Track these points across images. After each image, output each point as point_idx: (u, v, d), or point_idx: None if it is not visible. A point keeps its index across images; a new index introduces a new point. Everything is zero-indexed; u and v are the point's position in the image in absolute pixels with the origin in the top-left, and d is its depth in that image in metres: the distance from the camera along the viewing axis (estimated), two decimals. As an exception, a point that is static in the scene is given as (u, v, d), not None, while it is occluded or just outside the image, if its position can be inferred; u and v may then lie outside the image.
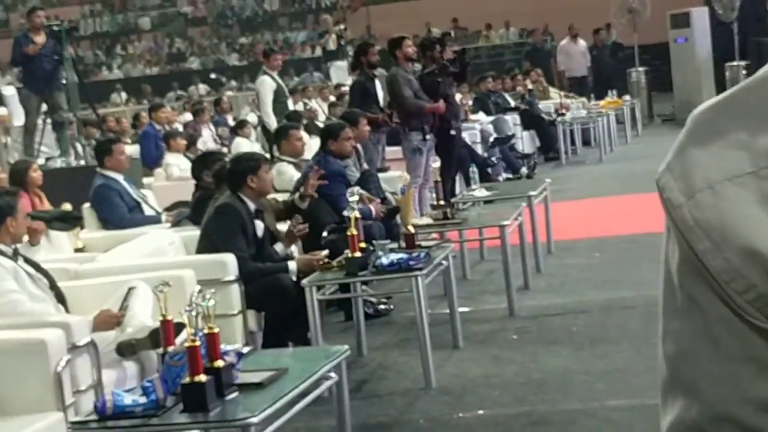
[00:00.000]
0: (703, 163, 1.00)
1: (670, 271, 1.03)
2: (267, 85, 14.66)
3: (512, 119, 17.30)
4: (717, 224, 0.97)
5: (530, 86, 20.11)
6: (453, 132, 11.86)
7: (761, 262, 0.95)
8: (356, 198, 7.18)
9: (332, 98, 19.16)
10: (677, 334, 1.02)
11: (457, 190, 12.36)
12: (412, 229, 7.57)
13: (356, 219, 6.93)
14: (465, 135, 13.32)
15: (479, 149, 14.63)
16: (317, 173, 8.15)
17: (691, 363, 1.00)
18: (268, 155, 10.93)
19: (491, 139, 15.40)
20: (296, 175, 9.56)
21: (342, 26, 25.37)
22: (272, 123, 14.08)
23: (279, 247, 7.53)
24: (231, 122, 18.54)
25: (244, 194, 7.47)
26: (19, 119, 15.51)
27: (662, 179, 1.03)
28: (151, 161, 14.15)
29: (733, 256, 0.96)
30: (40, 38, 13.25)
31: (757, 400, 0.95)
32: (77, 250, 8.95)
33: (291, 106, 15.45)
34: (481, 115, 16.80)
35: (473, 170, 10.93)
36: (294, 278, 7.29)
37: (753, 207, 0.96)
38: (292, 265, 7.23)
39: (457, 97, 13.88)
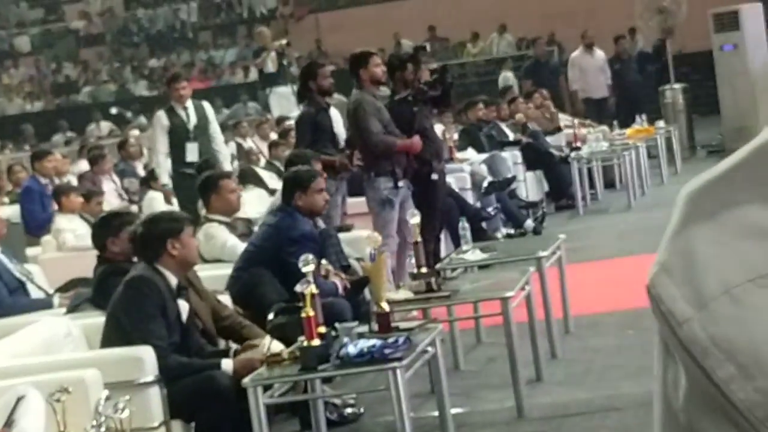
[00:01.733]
0: (713, 259, 0.99)
1: (671, 408, 1.02)
2: (159, 123, 14.59)
3: (512, 157, 17.25)
4: (743, 343, 0.95)
5: (533, 113, 20.21)
6: (434, 176, 11.78)
7: None
8: (311, 268, 7.11)
9: (274, 135, 19.15)
10: None
11: (443, 251, 12.21)
12: (386, 307, 7.46)
13: (313, 295, 6.86)
14: (450, 179, 13.28)
15: (470, 197, 14.63)
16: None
17: None
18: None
19: (485, 184, 15.37)
20: (230, 238, 9.55)
21: (284, 41, 25.29)
22: (162, 174, 14.17)
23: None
24: (141, 171, 18.42)
25: (163, 265, 7.47)
26: None
27: (657, 285, 1.02)
28: (36, 226, 14.09)
29: (761, 379, 0.94)
30: None
31: None
32: None
33: (223, 147, 15.17)
34: (470, 153, 16.79)
35: (463, 226, 10.92)
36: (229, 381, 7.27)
37: None
38: (227, 364, 7.21)
39: (438, 129, 13.88)
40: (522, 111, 19.83)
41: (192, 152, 14.14)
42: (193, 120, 14.46)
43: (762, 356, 0.93)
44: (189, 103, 14.47)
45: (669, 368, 1.00)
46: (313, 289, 6.84)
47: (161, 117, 14.90)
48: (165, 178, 14.13)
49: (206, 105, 14.93)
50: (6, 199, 16.84)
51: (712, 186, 1.02)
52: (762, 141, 1.03)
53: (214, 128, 14.68)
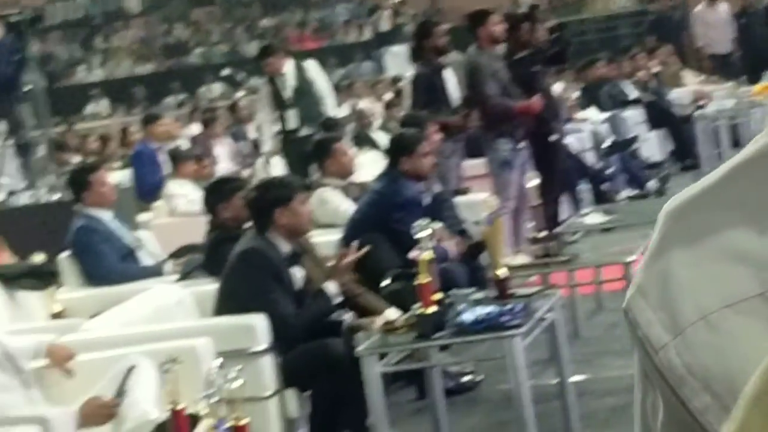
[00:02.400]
0: (690, 282, 0.96)
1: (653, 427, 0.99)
2: (261, 91, 14.78)
3: (634, 116, 17.08)
4: (719, 371, 0.93)
5: (657, 70, 19.84)
6: (554, 137, 11.73)
7: None
8: (427, 233, 7.05)
9: (388, 96, 19.07)
10: None
11: (563, 215, 12.07)
12: (503, 273, 7.42)
13: (428, 262, 6.82)
14: (570, 140, 13.20)
15: (591, 158, 14.53)
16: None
17: None
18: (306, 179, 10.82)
19: (607, 144, 15.28)
20: (344, 203, 9.55)
21: (398, -1, 25.20)
22: (263, 142, 14.27)
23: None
24: (253, 134, 18.40)
25: (274, 234, 7.49)
26: None
27: (633, 308, 0.99)
28: (147, 191, 14.24)
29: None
30: (-6, 32, 13.23)
31: None
32: (54, 316, 8.92)
33: (332, 108, 15.08)
34: (591, 112, 16.65)
35: (584, 188, 10.84)
36: (335, 296, 7.37)
37: (767, 342, 0.92)
38: (332, 287, 7.28)
39: (557, 89, 13.78)
40: (645, 68, 19.52)
41: (291, 119, 14.15)
42: (290, 85, 14.35)
43: (737, 386, 0.90)
44: (288, 68, 14.31)
45: (648, 394, 0.98)
46: (428, 255, 6.80)
47: (262, 85, 15.16)
48: (265, 146, 14.28)
49: (310, 65, 14.75)
50: (118, 164, 16.95)
51: (693, 204, 1.01)
52: (747, 155, 1.01)
53: (320, 88, 14.49)
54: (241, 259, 7.73)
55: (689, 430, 0.93)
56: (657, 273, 0.95)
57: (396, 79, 19.98)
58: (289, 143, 14.16)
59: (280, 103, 14.29)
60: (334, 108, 14.59)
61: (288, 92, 14.20)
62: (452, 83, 11.92)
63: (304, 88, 14.25)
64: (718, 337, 0.91)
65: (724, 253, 0.94)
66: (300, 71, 14.40)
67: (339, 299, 7.20)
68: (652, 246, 0.96)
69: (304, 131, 13.80)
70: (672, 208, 1.00)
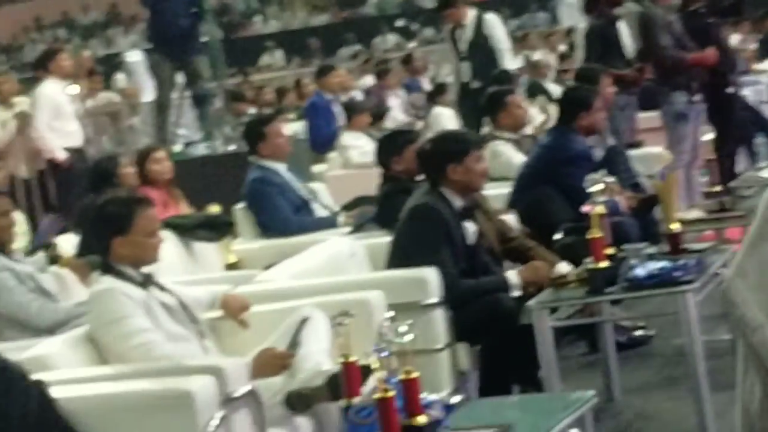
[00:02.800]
0: None
1: (748, 413, 1.03)
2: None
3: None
4: None
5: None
6: (730, 89, 11.55)
7: None
8: (599, 188, 7.03)
9: (562, 47, 18.98)
10: None
11: (739, 169, 11.80)
12: (676, 227, 7.40)
13: (600, 216, 6.82)
14: (747, 92, 12.99)
15: (768, 111, 14.21)
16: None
17: None
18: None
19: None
20: (516, 156, 9.53)
21: (572, -54, 24.96)
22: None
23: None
24: (427, 86, 18.45)
25: (446, 188, 7.46)
26: (148, 94, 15.93)
27: (732, 289, 1.00)
28: (321, 143, 14.36)
29: None
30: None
31: None
32: (229, 267, 9.09)
33: (510, 63, 14.95)
34: (769, 63, 16.24)
35: (761, 141, 10.71)
36: (518, 294, 7.23)
37: None
38: (514, 278, 7.21)
39: (734, 40, 13.56)
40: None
41: (464, 72, 14.09)
42: (467, 38, 14.23)
43: None
44: (468, 20, 14.16)
45: (747, 374, 1.01)
46: (600, 209, 6.79)
47: (446, 38, 15.15)
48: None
49: (489, 18, 14.48)
50: (293, 115, 17.14)
51: None
52: None
53: (497, 42, 14.27)
54: (412, 215, 7.70)
55: None
56: (757, 256, 0.97)
57: (570, 30, 19.65)
58: (462, 96, 14.10)
59: (456, 55, 14.22)
60: (511, 63, 14.44)
61: (463, 45, 14.11)
62: (626, 35, 11.89)
63: (480, 42, 14.10)
64: None
65: None
66: (479, 24, 14.25)
67: (517, 292, 7.12)
68: (753, 230, 1.00)
69: (475, 84, 13.71)
70: None
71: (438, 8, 15.30)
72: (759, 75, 14.99)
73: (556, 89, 15.20)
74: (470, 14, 14.09)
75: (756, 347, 0.96)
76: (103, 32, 41.65)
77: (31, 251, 8.82)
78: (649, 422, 7.16)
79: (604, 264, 6.77)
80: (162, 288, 6.68)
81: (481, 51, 14.04)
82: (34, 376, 5.64)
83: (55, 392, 5.59)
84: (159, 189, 10.06)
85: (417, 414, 4.65)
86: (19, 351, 6.32)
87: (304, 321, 6.46)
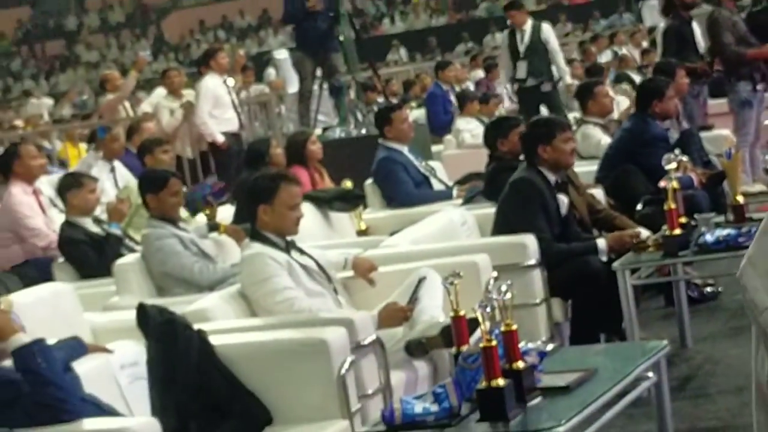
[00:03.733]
0: None
1: (759, 384, 1.03)
2: (503, 42, 15.13)
3: None
4: None
5: None
6: (790, 79, 11.70)
7: None
8: (674, 165, 7.14)
9: (645, 44, 18.88)
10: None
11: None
12: (741, 199, 7.49)
13: (675, 190, 6.90)
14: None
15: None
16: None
17: None
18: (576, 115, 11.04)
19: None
20: (604, 137, 9.56)
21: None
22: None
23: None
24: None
25: (541, 166, 7.52)
26: (293, 86, 16.11)
27: (744, 275, 1.01)
28: (438, 127, 14.66)
29: None
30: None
31: None
32: (360, 233, 9.20)
33: (562, 66, 15.09)
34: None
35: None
36: (604, 259, 7.27)
37: None
38: (602, 244, 7.25)
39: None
40: None
41: (521, 69, 14.33)
42: (525, 41, 14.46)
43: None
44: (527, 26, 14.52)
45: (759, 350, 1.00)
46: (675, 184, 6.90)
47: (504, 37, 15.36)
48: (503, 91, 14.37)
49: (545, 27, 14.93)
50: (414, 104, 17.30)
51: None
52: None
53: (552, 47, 14.64)
54: (513, 188, 7.75)
55: None
56: (764, 246, 0.93)
57: (651, 29, 19.74)
58: (519, 91, 14.55)
59: (514, 54, 14.47)
60: (562, 66, 14.83)
61: (522, 46, 14.40)
62: (699, 33, 12.00)
63: (536, 46, 14.41)
64: None
65: None
66: (536, 30, 14.57)
67: (604, 256, 7.21)
68: (764, 221, 0.96)
69: (531, 82, 14.12)
70: None
71: (505, 7, 15.69)
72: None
73: (639, 78, 15.27)
74: (528, 21, 14.58)
75: (764, 327, 0.99)
76: (256, 33, 42.48)
77: (188, 204, 9.05)
78: (717, 366, 7.17)
79: (678, 231, 6.90)
80: (302, 252, 6.79)
81: (537, 53, 14.36)
82: (196, 326, 5.85)
83: (212, 340, 5.81)
84: (308, 168, 10.13)
85: (516, 360, 4.62)
86: (184, 305, 6.53)
87: (421, 280, 6.57)
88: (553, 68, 14.60)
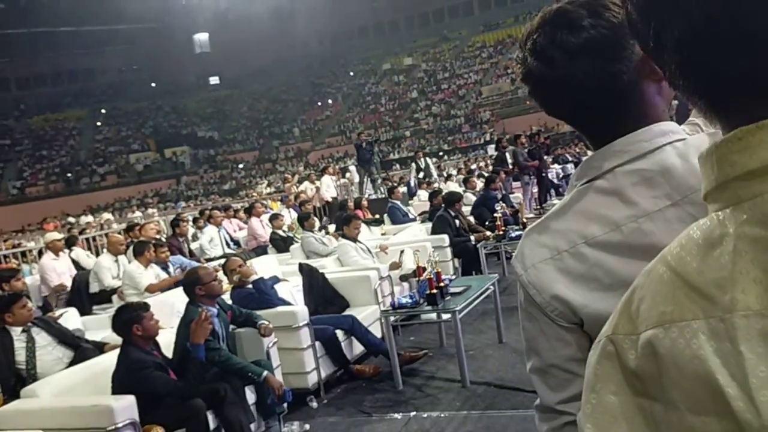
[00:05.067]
0: (528, 252, 0.93)
1: (521, 302, 0.94)
2: None
3: None
4: (538, 283, 0.91)
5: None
6: None
7: (557, 298, 0.89)
8: None
9: None
10: (526, 330, 0.95)
11: None
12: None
13: None
14: None
15: None
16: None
17: (533, 340, 0.93)
18: None
19: None
20: None
21: None
22: None
23: None
24: None
25: None
26: (356, 178, 15.02)
27: (513, 260, 0.95)
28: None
29: (546, 296, 0.90)
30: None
31: (565, 356, 0.91)
32: (382, 234, 8.50)
33: None
34: None
35: None
36: None
37: (553, 274, 0.89)
38: None
39: None
40: None
41: None
42: None
43: (544, 287, 0.89)
44: None
45: (519, 289, 0.93)
46: None
47: None
48: None
49: None
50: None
51: (535, 228, 0.95)
52: (558, 207, 0.94)
53: None
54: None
55: (530, 301, 0.92)
56: (521, 248, 0.93)
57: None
58: None
59: None
60: None
61: None
62: None
63: None
64: (538, 272, 0.90)
65: (539, 242, 0.91)
66: None
67: None
68: (523, 237, 0.94)
69: None
70: (529, 228, 0.96)
71: None
72: None
73: None
74: None
75: (519, 281, 0.91)
76: (342, 160, 32.58)
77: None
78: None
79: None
80: (359, 242, 6.49)
81: None
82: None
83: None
84: (362, 210, 9.80)
85: (440, 281, 4.54)
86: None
87: (402, 251, 6.30)
88: None
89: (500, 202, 8.25)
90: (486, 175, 10.99)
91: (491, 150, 20.35)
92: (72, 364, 4.23)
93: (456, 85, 39.16)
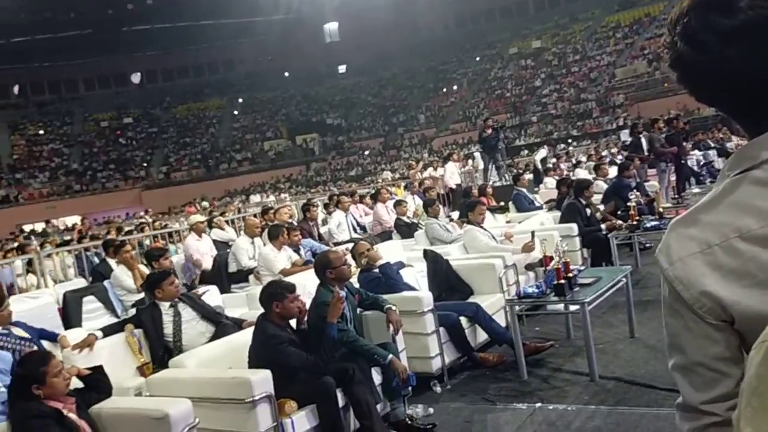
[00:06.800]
0: (675, 246, 0.91)
1: (665, 297, 0.92)
2: None
3: None
4: (685, 278, 0.89)
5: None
6: None
7: (707, 294, 0.86)
8: None
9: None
10: (669, 326, 0.93)
11: None
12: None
13: None
14: None
15: None
16: None
17: (678, 337, 0.91)
18: None
19: None
20: None
21: None
22: None
23: None
24: None
25: None
26: (481, 165, 14.94)
27: (657, 254, 0.93)
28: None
29: (694, 292, 0.88)
30: None
31: (712, 355, 0.88)
32: (507, 222, 8.38)
33: None
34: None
35: None
36: None
37: (702, 269, 0.87)
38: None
39: None
40: None
41: None
42: None
43: (692, 282, 0.87)
44: None
45: (663, 284, 0.91)
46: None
47: None
48: None
49: None
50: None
51: (683, 220, 0.93)
52: (706, 199, 0.91)
53: None
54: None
55: (676, 296, 0.90)
56: (665, 241, 0.91)
57: None
58: None
59: None
60: None
61: None
62: None
63: None
64: (685, 267, 0.88)
65: (687, 235, 0.89)
66: None
67: None
68: (667, 230, 0.92)
69: None
70: (674, 220, 0.93)
71: None
72: None
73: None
74: None
75: (664, 275, 0.89)
76: (466, 146, 30.73)
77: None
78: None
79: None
80: (483, 228, 6.55)
81: None
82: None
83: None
84: (486, 196, 9.51)
85: (568, 272, 4.41)
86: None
87: (533, 233, 6.32)
88: None
89: (634, 190, 7.97)
90: (618, 161, 10.42)
91: (624, 135, 19.29)
92: (213, 338, 4.43)
93: (587, 67, 37.74)
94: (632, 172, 8.52)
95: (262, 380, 3.38)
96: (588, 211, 7.40)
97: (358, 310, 4.48)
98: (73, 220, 28.93)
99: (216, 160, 40.69)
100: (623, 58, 36.49)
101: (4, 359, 3.73)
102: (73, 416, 3.04)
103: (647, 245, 7.67)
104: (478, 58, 44.76)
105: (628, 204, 7.10)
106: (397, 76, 46.63)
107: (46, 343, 4.41)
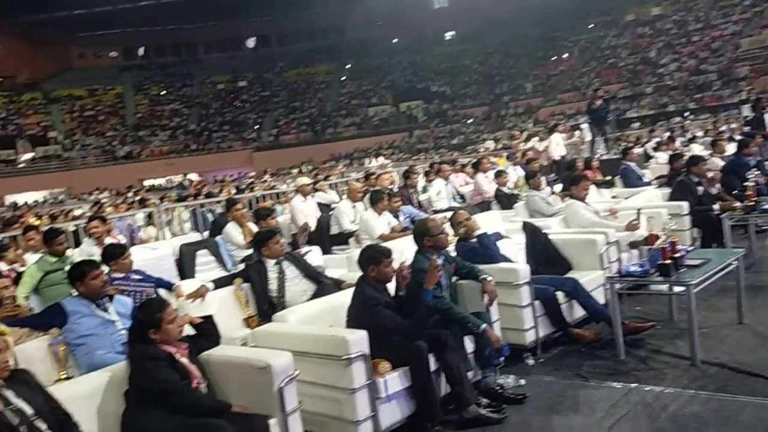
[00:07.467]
0: None
1: None
2: None
3: None
4: None
5: None
6: None
7: None
8: None
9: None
10: None
11: None
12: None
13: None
14: None
15: None
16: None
17: None
18: None
19: None
20: None
21: None
22: None
23: None
24: None
25: None
26: (588, 137, 14.78)
27: None
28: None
29: None
30: None
31: None
32: (613, 197, 8.10)
33: None
34: None
35: None
36: None
37: None
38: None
39: None
40: None
41: None
42: None
43: None
44: None
45: None
46: None
47: None
48: None
49: None
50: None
51: None
52: None
53: None
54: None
55: None
56: None
57: None
58: None
59: None
60: None
61: None
62: None
63: None
64: None
65: None
66: None
67: None
68: None
69: None
70: None
71: None
72: None
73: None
74: None
75: None
76: (573, 117, 29.27)
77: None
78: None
79: None
80: (587, 203, 6.36)
81: None
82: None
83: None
84: (592, 170, 9.55)
85: (675, 252, 4.26)
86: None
87: (639, 210, 6.07)
88: None
89: (754, 169, 7.51)
90: (737, 138, 9.99)
91: (746, 110, 18.03)
92: (314, 296, 4.57)
93: (710, 37, 35.39)
94: (753, 149, 8.00)
95: (358, 340, 3.49)
96: (700, 189, 7.09)
97: (454, 278, 4.49)
98: (191, 177, 30.53)
99: (323, 125, 41.57)
100: (750, 28, 33.89)
101: (125, 304, 3.92)
102: (184, 360, 3.19)
103: (764, 228, 7.21)
104: (591, 25, 42.95)
105: (746, 183, 6.76)
106: (505, 43, 45.61)
107: (162, 291, 4.64)
